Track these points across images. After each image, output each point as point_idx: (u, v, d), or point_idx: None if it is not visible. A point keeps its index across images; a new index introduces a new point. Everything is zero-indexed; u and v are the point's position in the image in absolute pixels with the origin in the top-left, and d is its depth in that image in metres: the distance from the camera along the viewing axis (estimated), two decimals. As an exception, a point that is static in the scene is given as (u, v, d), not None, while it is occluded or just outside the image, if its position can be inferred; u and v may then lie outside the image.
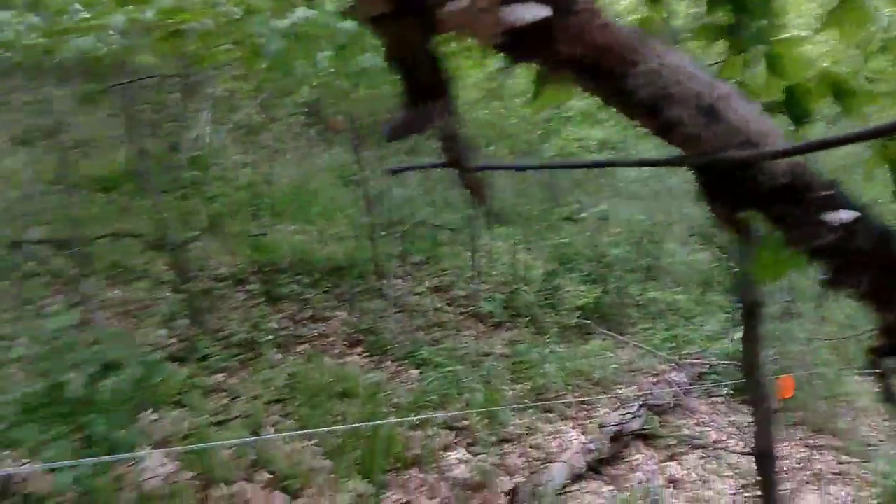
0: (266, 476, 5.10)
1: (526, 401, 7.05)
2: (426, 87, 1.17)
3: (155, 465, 5.11)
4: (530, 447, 6.35)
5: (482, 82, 9.22)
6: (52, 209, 6.54)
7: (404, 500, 5.27)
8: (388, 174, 11.18)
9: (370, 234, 8.89)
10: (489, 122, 9.76)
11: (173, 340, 6.76)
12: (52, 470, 4.25)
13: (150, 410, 5.46)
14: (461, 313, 9.08)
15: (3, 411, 3.91)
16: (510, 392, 7.27)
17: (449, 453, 6.06)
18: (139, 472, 4.79)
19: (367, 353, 7.54)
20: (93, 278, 6.45)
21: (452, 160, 1.27)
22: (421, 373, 7.24)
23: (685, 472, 6.45)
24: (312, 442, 5.68)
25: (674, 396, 7.53)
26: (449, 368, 7.19)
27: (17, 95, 7.21)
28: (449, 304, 9.20)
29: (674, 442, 6.92)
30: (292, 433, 5.31)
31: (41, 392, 3.98)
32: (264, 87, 8.04)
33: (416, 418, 5.94)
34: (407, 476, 5.58)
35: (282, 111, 10.03)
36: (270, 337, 7.31)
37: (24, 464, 4.59)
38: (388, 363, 7.38)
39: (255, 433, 5.45)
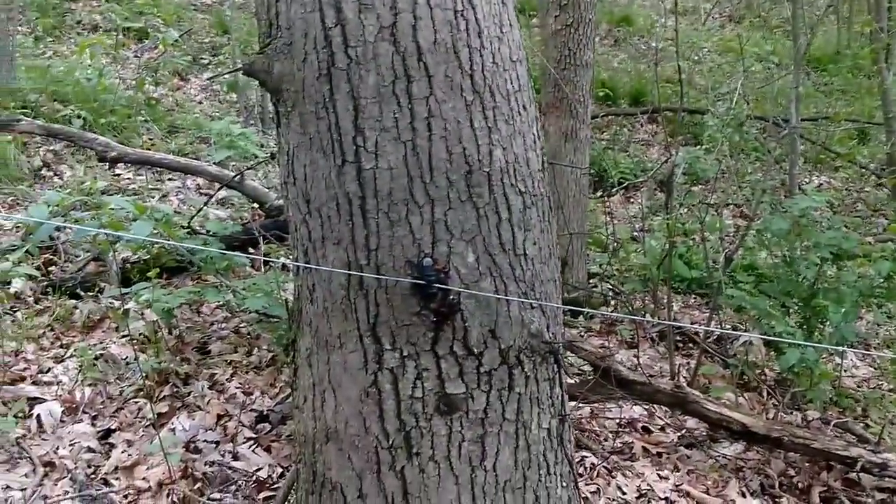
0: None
1: None
2: None
3: (848, 364, 4.94)
4: None
5: None
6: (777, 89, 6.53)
7: None
8: None
9: None
10: None
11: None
12: (767, 343, 4.44)
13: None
14: None
15: (740, 278, 4.14)
16: None
17: None
18: (835, 367, 4.64)
19: None
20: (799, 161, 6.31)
21: None
22: None
23: None
24: None
25: None
26: None
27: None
28: None
29: None
30: None
31: (777, 268, 4.08)
32: None
33: None
34: None
35: None
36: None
37: (729, 328, 4.92)
38: None
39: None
